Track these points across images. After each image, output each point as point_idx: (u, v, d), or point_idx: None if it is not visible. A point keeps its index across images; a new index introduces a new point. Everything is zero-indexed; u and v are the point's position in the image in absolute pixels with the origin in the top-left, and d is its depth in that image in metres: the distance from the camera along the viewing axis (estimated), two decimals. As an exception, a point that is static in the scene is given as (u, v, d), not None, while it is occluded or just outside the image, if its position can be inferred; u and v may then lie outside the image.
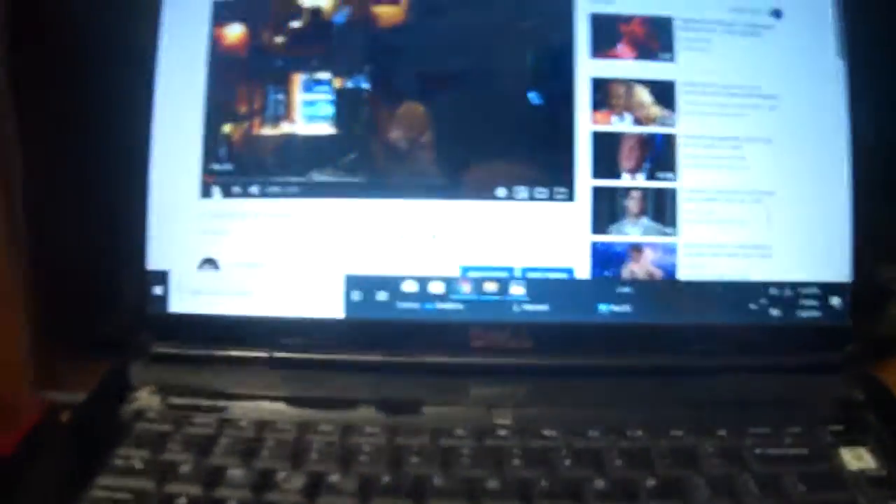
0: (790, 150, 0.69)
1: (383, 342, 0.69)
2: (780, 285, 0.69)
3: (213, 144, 0.70)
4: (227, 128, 0.70)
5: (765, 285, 0.69)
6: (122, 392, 0.67)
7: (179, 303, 0.70)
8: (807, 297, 0.69)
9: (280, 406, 0.66)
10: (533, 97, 0.69)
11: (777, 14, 0.70)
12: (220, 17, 0.71)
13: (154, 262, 0.70)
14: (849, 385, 0.67)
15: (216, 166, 0.70)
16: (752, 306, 0.69)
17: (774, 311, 0.69)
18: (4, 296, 0.71)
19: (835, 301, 0.69)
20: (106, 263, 0.72)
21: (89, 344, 0.72)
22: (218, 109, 0.70)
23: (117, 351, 0.70)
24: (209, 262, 0.70)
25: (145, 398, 0.66)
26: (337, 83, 0.70)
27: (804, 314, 0.69)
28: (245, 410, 0.65)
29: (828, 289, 0.69)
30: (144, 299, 0.70)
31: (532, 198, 0.68)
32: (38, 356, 0.71)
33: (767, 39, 0.70)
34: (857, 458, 0.59)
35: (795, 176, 0.69)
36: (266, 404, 0.66)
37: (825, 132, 0.70)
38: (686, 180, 0.69)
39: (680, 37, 0.70)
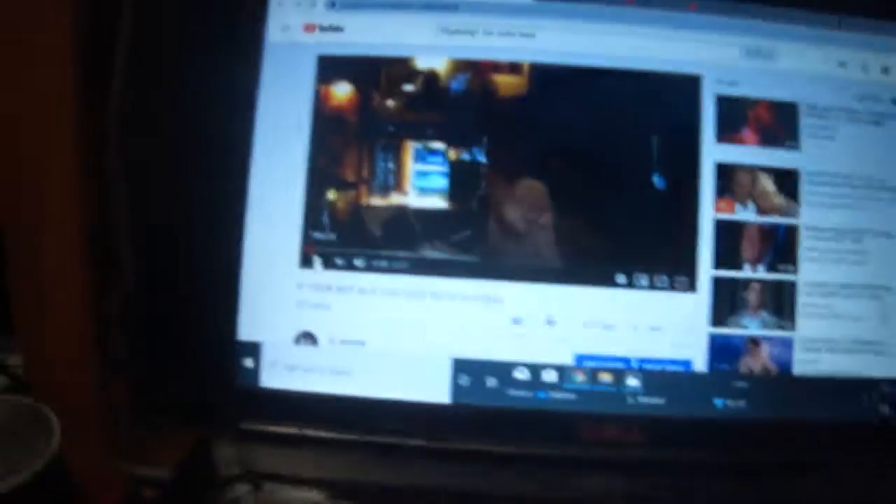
0: (909, 244, 0.68)
1: (491, 430, 0.65)
2: (892, 382, 0.67)
3: (315, 212, 0.65)
4: (331, 195, 0.65)
5: (878, 382, 0.67)
6: (210, 470, 0.62)
7: (272, 377, 0.65)
8: (916, 394, 0.68)
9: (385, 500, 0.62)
10: (657, 181, 0.65)
11: (898, 103, 0.68)
12: (327, 74, 0.66)
13: (246, 332, 0.65)
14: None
15: (318, 235, 0.65)
16: (864, 402, 0.67)
17: (884, 408, 0.67)
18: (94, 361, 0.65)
19: (941, 399, 0.68)
20: (199, 333, 0.66)
21: (177, 416, 0.67)
22: (322, 175, 0.65)
23: (205, 425, 0.65)
24: (307, 337, 0.65)
25: (238, 488, 0.62)
26: (452, 154, 0.65)
27: (912, 411, 0.68)
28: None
29: (937, 386, 0.68)
30: (234, 371, 0.65)
31: (652, 286, 0.65)
32: (124, 426, 0.66)
33: (891, 129, 0.68)
34: None
35: (913, 271, 0.68)
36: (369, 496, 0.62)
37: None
38: (806, 273, 0.66)
39: (805, 124, 0.67)
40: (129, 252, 0.65)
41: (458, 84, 0.66)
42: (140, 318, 0.65)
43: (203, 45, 0.67)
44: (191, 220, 0.66)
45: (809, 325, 0.66)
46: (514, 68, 0.66)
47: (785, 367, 0.66)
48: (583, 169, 0.66)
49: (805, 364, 0.66)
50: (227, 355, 0.66)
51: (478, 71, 0.66)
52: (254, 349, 0.65)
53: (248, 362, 0.65)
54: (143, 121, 0.65)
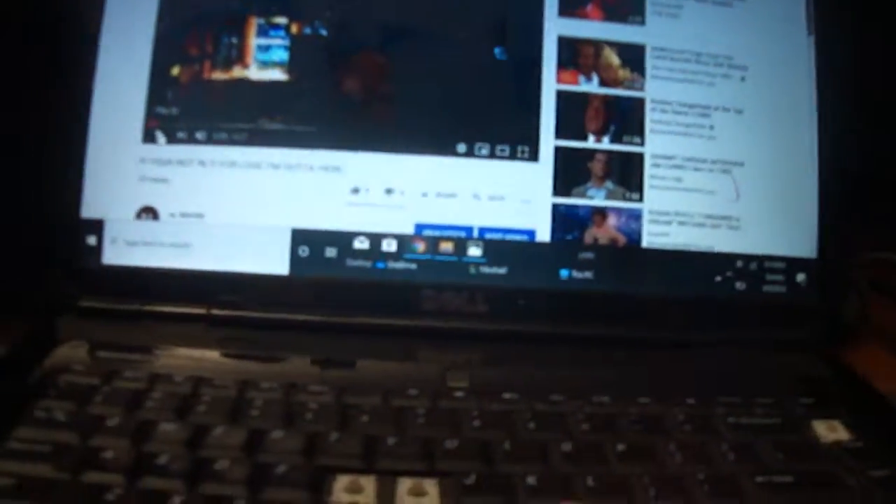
0: (760, 121, 0.63)
1: (330, 302, 0.60)
2: (747, 258, 0.62)
3: (159, 87, 0.61)
4: (175, 70, 0.62)
5: (731, 257, 0.62)
6: (48, 347, 0.58)
7: (113, 254, 0.61)
8: (773, 271, 0.63)
9: (218, 362, 0.57)
10: (498, 52, 0.62)
11: (750, -16, 0.65)
12: (175, -49, 0.63)
13: (89, 209, 0.61)
14: (814, 362, 0.61)
15: (161, 110, 0.61)
16: (718, 278, 0.62)
17: (739, 285, 0.62)
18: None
19: (800, 277, 0.63)
20: (36, 209, 0.62)
21: (14, 297, 0.62)
22: (167, 50, 0.62)
23: (45, 306, 0.61)
24: (148, 211, 0.61)
25: (71, 351, 0.57)
26: (294, 28, 0.62)
27: (769, 289, 0.63)
28: (180, 366, 0.56)
29: (794, 264, 0.63)
30: (77, 250, 0.61)
31: (493, 155, 0.61)
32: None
33: (739, 9, 0.64)
34: (831, 430, 0.52)
35: (765, 148, 0.63)
36: (203, 361, 0.57)
37: (795, 105, 0.64)
38: (653, 146, 0.62)
39: (651, 1, 0.63)
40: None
41: (300, -41, 0.63)
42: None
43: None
44: (34, 93, 0.63)
45: (658, 196, 0.62)
46: (356, -57, 0.63)
47: (633, 238, 0.62)
48: (424, 41, 0.62)
49: (654, 237, 0.62)
50: (70, 234, 0.61)
51: (320, -54, 0.63)
52: (96, 226, 0.61)
53: (91, 240, 0.61)
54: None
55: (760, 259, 0.62)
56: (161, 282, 0.61)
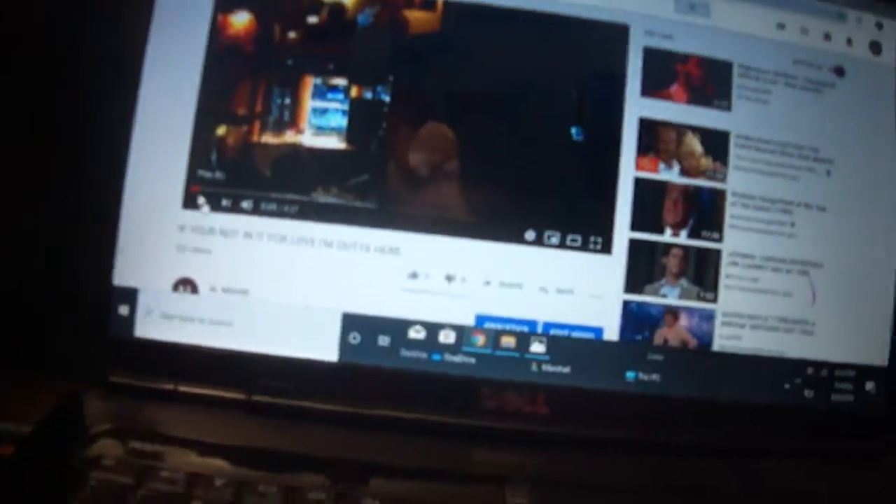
0: (842, 220, 0.57)
1: (381, 394, 0.54)
2: (818, 365, 0.57)
3: (203, 148, 0.54)
4: (221, 130, 0.54)
5: (802, 364, 0.56)
6: (76, 426, 0.51)
7: (147, 327, 0.54)
8: (842, 379, 0.57)
9: (259, 459, 0.50)
10: (575, 132, 0.55)
11: (840, 72, 0.58)
12: (226, 1, 0.55)
13: (122, 277, 0.54)
14: (880, 476, 0.55)
15: (205, 174, 0.54)
16: (787, 385, 0.56)
17: (808, 392, 0.57)
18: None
19: (869, 386, 0.57)
20: (72, 276, 0.55)
21: (43, 366, 0.55)
22: (213, 108, 0.54)
23: (74, 377, 0.54)
24: (186, 284, 0.54)
25: (102, 441, 0.50)
26: (354, 92, 0.55)
27: (837, 398, 0.57)
28: (218, 467, 0.49)
29: (864, 372, 0.57)
30: (107, 319, 0.54)
31: (564, 245, 0.54)
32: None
33: (828, 98, 0.58)
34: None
35: (845, 249, 0.57)
36: (243, 457, 0.50)
37: (878, 205, 0.58)
38: (732, 242, 0.56)
39: (738, 84, 0.57)
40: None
41: (365, 18, 0.55)
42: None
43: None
44: (69, 151, 0.56)
45: (733, 297, 0.56)
46: (426, 4, 0.55)
47: (704, 341, 0.55)
48: (495, 115, 0.55)
49: (726, 340, 0.56)
50: (102, 301, 0.54)
51: (388, 4, 0.55)
52: (130, 295, 0.54)
53: (123, 310, 0.54)
54: (24, 39, 0.55)
55: (831, 366, 0.57)
56: (198, 361, 0.54)
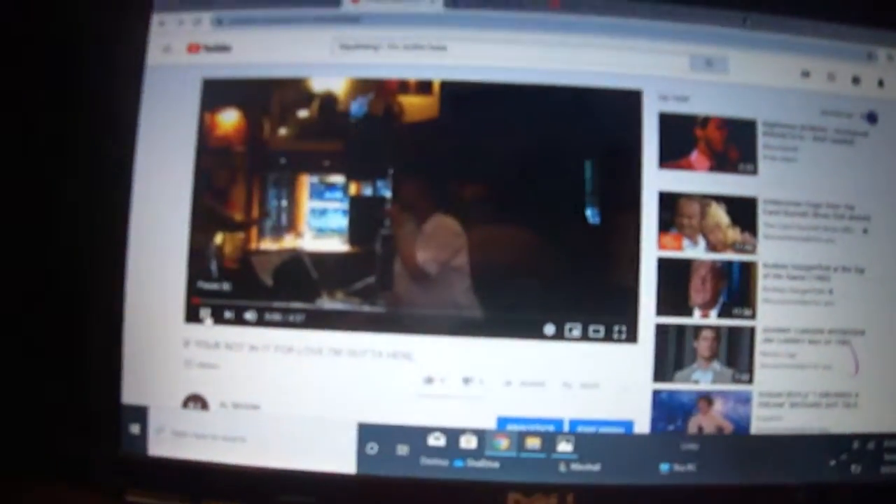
0: (883, 280, 0.52)
1: (404, 504, 0.50)
2: (864, 438, 0.52)
3: (201, 258, 0.50)
4: (218, 238, 0.50)
5: (847, 438, 0.52)
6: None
7: (159, 445, 0.51)
8: (892, 450, 0.52)
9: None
10: (590, 215, 0.50)
11: (872, 118, 0.52)
12: (213, 99, 0.51)
13: (130, 395, 0.51)
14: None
15: (205, 285, 0.50)
16: (832, 462, 0.51)
17: (855, 468, 0.52)
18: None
19: (920, 453, 0.52)
20: (79, 396, 0.52)
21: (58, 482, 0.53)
22: (208, 216, 0.50)
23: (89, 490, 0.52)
24: (196, 400, 0.50)
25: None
26: (353, 189, 0.50)
27: (888, 470, 0.52)
28: None
29: (916, 441, 0.52)
30: (120, 439, 0.51)
31: (586, 337, 0.50)
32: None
33: (861, 149, 0.52)
34: None
35: (887, 311, 0.52)
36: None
37: (922, 260, 0.52)
38: (765, 318, 0.51)
39: (764, 144, 0.51)
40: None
41: (359, 107, 0.50)
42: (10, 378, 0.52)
43: (77, 70, 0.52)
44: (62, 267, 0.52)
45: (770, 376, 0.51)
46: (423, 87, 0.50)
47: (741, 425, 0.51)
48: (503, 203, 0.50)
49: (765, 422, 0.51)
50: (112, 421, 0.51)
51: (381, 91, 0.50)
52: (140, 414, 0.51)
53: (134, 428, 0.51)
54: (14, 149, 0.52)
55: (879, 437, 0.52)
56: (214, 478, 0.51)
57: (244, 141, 0.50)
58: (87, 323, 0.51)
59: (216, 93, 0.51)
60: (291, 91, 0.50)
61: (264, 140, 0.50)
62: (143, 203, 0.50)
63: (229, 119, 0.50)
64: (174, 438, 0.51)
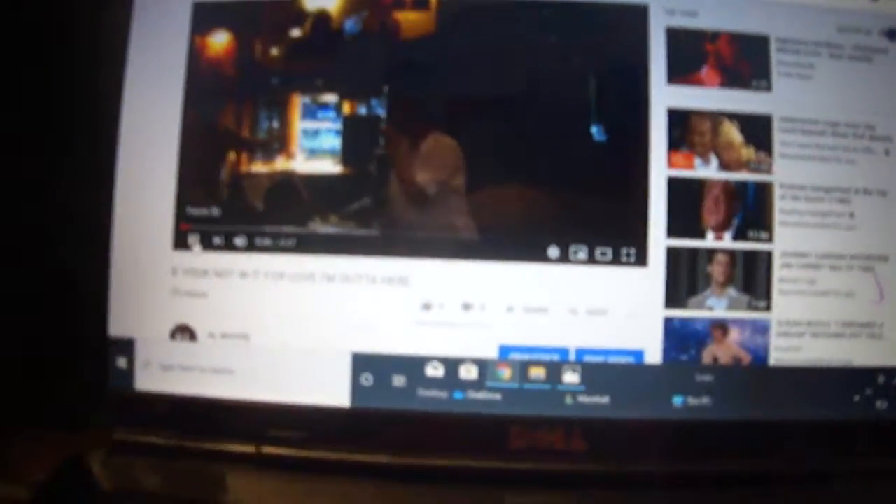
0: (908, 204, 0.47)
1: (400, 440, 0.46)
2: (889, 372, 0.47)
3: (190, 182, 0.47)
4: (208, 161, 0.47)
5: (871, 371, 0.47)
6: (81, 488, 0.45)
7: (146, 379, 0.47)
8: (920, 385, 0.47)
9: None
10: (595, 132, 0.46)
11: (892, 35, 0.48)
12: (203, 22, 0.47)
13: (117, 327, 0.47)
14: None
15: (194, 210, 0.47)
16: (856, 398, 0.47)
17: (881, 403, 0.47)
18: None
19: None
20: (64, 329, 0.49)
21: (44, 421, 0.49)
22: (198, 139, 0.47)
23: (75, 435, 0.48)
24: (184, 331, 0.47)
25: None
26: (346, 108, 0.47)
27: (916, 406, 0.47)
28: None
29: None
30: (106, 373, 0.48)
31: (592, 260, 0.46)
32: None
33: (880, 66, 0.48)
34: None
35: (913, 237, 0.47)
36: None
37: (950, 182, 0.48)
38: (783, 241, 0.46)
39: (777, 60, 0.47)
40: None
41: (352, 25, 0.47)
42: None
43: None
44: (49, 194, 0.49)
45: (789, 304, 0.46)
46: (419, 2, 0.47)
47: (759, 356, 0.46)
48: (504, 120, 0.46)
49: (784, 353, 0.46)
50: (97, 354, 0.48)
51: (376, 7, 0.47)
52: (126, 347, 0.47)
53: (121, 362, 0.48)
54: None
55: (907, 371, 0.47)
56: (202, 413, 0.47)
57: (235, 62, 0.47)
58: (73, 252, 0.48)
59: (207, 15, 0.47)
60: (284, 11, 0.47)
61: (255, 61, 0.47)
62: (132, 129, 0.47)
63: (219, 40, 0.47)
64: (161, 372, 0.47)
